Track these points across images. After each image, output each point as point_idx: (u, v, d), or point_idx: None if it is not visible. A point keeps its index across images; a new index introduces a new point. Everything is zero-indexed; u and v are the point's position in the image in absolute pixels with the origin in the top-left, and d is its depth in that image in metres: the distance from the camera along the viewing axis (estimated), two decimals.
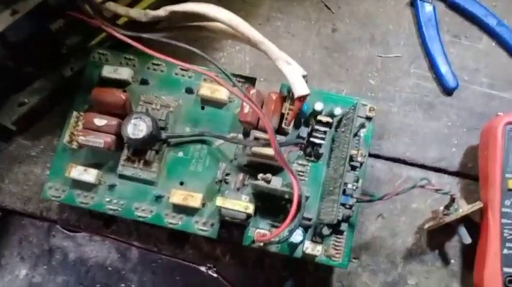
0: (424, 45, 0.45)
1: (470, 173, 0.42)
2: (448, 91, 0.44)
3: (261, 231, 0.37)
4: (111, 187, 0.39)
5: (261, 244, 0.37)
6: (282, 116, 0.39)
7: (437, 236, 0.41)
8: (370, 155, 0.43)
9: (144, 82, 0.41)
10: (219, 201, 0.36)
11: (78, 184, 0.39)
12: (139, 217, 0.39)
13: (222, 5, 0.46)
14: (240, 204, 0.36)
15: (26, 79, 0.43)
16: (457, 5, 0.46)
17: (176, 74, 0.42)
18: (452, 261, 0.40)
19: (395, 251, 0.41)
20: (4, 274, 0.43)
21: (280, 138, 0.37)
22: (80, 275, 0.44)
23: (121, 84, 0.41)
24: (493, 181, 0.37)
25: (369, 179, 0.42)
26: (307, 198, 0.36)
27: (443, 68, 0.44)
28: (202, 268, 0.42)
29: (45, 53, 0.43)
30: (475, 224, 0.39)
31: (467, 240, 0.37)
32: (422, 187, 0.33)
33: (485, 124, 0.40)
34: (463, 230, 0.37)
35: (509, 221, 0.36)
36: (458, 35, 0.46)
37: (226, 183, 0.39)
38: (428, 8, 0.46)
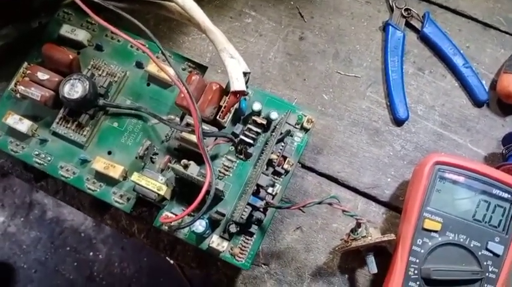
0: (385, 71, 0.45)
1: (399, 207, 0.41)
2: (398, 121, 0.44)
3: (169, 214, 0.37)
4: (43, 141, 0.40)
5: (166, 227, 0.37)
6: (220, 108, 0.39)
7: (350, 261, 0.40)
8: (304, 167, 0.42)
9: (98, 48, 0.42)
10: (135, 176, 0.37)
11: (13, 132, 0.40)
12: (62, 175, 0.39)
13: None
14: (154, 184, 0.36)
15: None
16: (428, 38, 0.46)
17: (131, 47, 0.42)
18: None
19: (306, 266, 0.40)
20: None
21: (212, 129, 0.38)
22: (53, 235, 0.45)
23: (77, 45, 0.42)
24: (410, 217, 0.36)
25: (296, 189, 0.41)
26: (219, 191, 0.36)
27: (398, 98, 0.43)
28: (162, 254, 0.42)
29: (18, 2, 0.44)
30: (390, 255, 0.38)
31: (373, 269, 0.37)
32: (330, 204, 0.33)
33: (421, 159, 0.40)
34: (370, 259, 0.37)
35: (416, 260, 0.35)
36: (423, 68, 0.46)
37: (153, 162, 0.39)
38: (398, 35, 0.45)
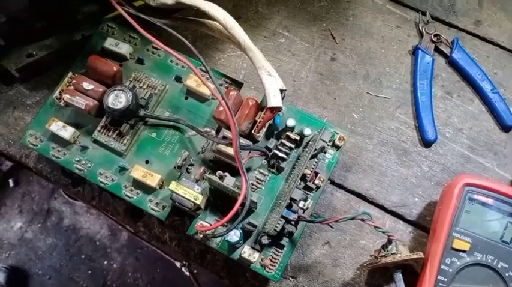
0: (414, 93, 0.46)
1: (426, 226, 0.42)
2: (426, 143, 0.45)
3: (204, 223, 0.38)
4: (84, 148, 0.42)
5: (201, 236, 0.38)
6: (255, 123, 0.40)
7: (377, 278, 0.41)
8: (333, 184, 0.43)
9: (140, 61, 0.44)
10: (173, 185, 0.38)
11: (55, 138, 0.42)
12: (101, 182, 0.41)
13: (235, 11, 0.50)
14: (191, 193, 0.38)
15: (38, 34, 0.46)
16: (457, 63, 0.47)
17: (171, 61, 0.44)
18: None
19: (333, 281, 0.41)
20: (0, 221, 0.45)
21: (247, 142, 0.39)
22: (68, 242, 0.46)
23: (119, 58, 0.44)
24: (439, 236, 0.37)
25: (325, 205, 0.42)
26: (253, 203, 0.37)
27: (426, 120, 0.45)
28: (177, 264, 0.43)
29: (62, 14, 0.46)
30: (416, 274, 0.39)
31: (401, 286, 0.37)
32: (362, 220, 0.34)
33: (449, 180, 0.40)
34: (399, 276, 0.37)
35: (444, 279, 0.36)
36: (451, 92, 0.47)
37: (188, 172, 0.41)
38: (427, 59, 0.47)
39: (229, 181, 0.37)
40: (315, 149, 0.36)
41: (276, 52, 0.49)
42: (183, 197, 0.38)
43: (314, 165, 0.37)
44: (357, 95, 0.47)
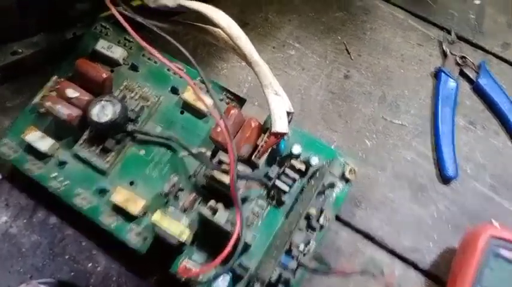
0: (434, 122, 0.42)
1: (440, 277, 0.37)
2: (445, 179, 0.40)
3: (188, 263, 0.33)
4: (62, 163, 0.37)
5: (183, 278, 0.33)
6: (256, 147, 0.36)
7: None
8: (339, 220, 0.39)
9: (134, 68, 0.39)
10: (157, 216, 0.33)
11: (31, 150, 0.37)
12: (76, 204, 0.36)
13: (242, 16, 0.45)
14: (177, 227, 0.33)
15: (26, 30, 0.42)
16: (483, 90, 0.42)
17: (168, 70, 0.39)
18: None
19: None
20: None
21: (245, 169, 0.34)
22: (53, 241, 0.42)
23: (111, 63, 0.39)
24: None
25: (328, 246, 0.38)
26: (246, 244, 0.33)
27: (447, 153, 0.40)
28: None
29: (54, 10, 0.41)
30: None
31: None
32: (373, 275, 0.29)
33: (471, 228, 0.36)
34: None
35: None
36: (475, 122, 0.42)
37: (176, 198, 0.36)
38: (451, 84, 0.42)
39: (221, 217, 0.32)
40: (323, 185, 0.31)
41: (284, 65, 0.44)
42: (167, 230, 0.33)
43: (321, 202, 0.33)
44: (371, 119, 0.42)
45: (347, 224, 0.38)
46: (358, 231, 0.38)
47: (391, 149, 0.41)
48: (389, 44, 0.45)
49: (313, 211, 0.32)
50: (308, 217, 0.32)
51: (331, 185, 0.33)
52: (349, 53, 0.45)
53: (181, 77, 0.38)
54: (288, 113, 0.34)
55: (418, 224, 0.39)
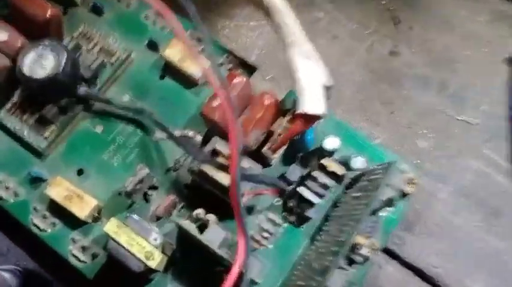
0: None
1: None
2: None
3: None
4: None
5: None
6: (269, 135, 0.24)
7: None
8: (384, 251, 0.27)
9: (96, 10, 0.28)
10: (110, 225, 0.21)
11: None
12: None
13: None
14: (142, 246, 0.21)
15: None
16: None
17: (146, 17, 0.28)
18: None
19: None
20: None
21: (253, 167, 0.23)
22: None
23: (66, 2, 0.28)
24: None
25: (368, 284, 0.26)
26: (253, 282, 0.21)
27: None
28: None
29: None
30: None
31: None
32: None
33: None
34: None
35: None
36: None
37: (146, 201, 0.24)
38: None
39: (213, 236, 0.21)
40: (379, 201, 0.20)
41: (310, 30, 0.32)
42: (128, 251, 0.21)
43: (371, 227, 0.21)
44: (427, 112, 0.31)
45: (394, 255, 0.27)
46: (407, 265, 0.27)
47: (455, 155, 0.30)
48: (451, 18, 0.34)
49: (361, 240, 0.20)
50: (353, 249, 0.20)
51: (390, 203, 0.21)
52: (397, 24, 0.34)
53: (165, 26, 0.27)
54: (326, 88, 0.23)
55: (494, 262, 0.27)
